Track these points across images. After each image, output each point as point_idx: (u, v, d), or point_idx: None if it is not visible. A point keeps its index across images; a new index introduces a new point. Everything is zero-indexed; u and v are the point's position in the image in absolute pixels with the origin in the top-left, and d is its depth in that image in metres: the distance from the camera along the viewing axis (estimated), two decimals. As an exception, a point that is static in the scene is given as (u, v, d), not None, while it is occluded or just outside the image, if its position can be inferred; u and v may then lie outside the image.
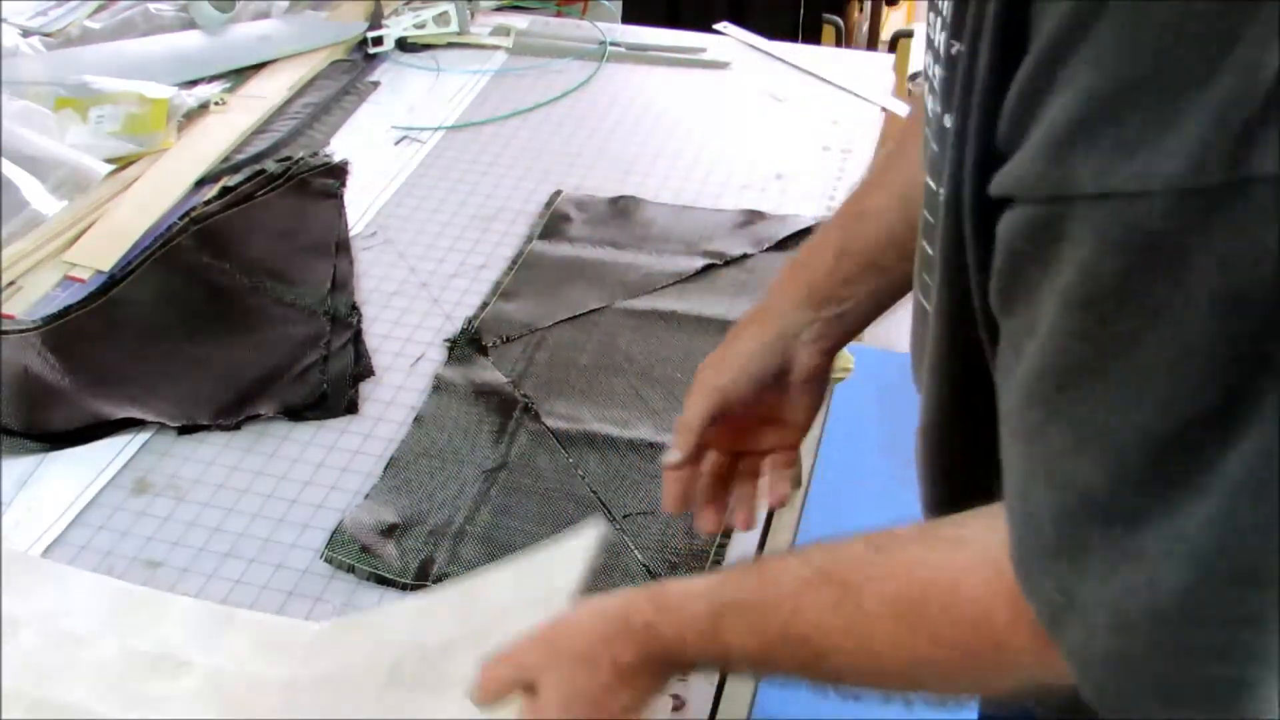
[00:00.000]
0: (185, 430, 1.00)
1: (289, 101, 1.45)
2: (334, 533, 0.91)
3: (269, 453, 0.99)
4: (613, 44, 1.58)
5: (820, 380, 0.84)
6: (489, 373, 1.06)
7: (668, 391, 1.03)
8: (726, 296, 1.14)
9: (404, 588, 0.87)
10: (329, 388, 1.04)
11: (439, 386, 1.04)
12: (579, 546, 0.70)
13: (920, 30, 2.22)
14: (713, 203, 1.28)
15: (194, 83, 1.47)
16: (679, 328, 1.10)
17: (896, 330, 2.59)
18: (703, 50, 1.57)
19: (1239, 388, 0.42)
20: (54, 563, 0.89)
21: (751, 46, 1.59)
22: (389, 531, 0.90)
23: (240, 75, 1.50)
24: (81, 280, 1.18)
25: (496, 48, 1.59)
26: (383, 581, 0.87)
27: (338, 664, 0.77)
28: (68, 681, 0.79)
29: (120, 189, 1.29)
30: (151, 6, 1.60)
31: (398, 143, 1.40)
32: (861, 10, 2.46)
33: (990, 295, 0.52)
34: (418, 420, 1.01)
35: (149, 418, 1.01)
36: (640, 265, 1.18)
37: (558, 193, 1.29)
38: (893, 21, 2.71)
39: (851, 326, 0.85)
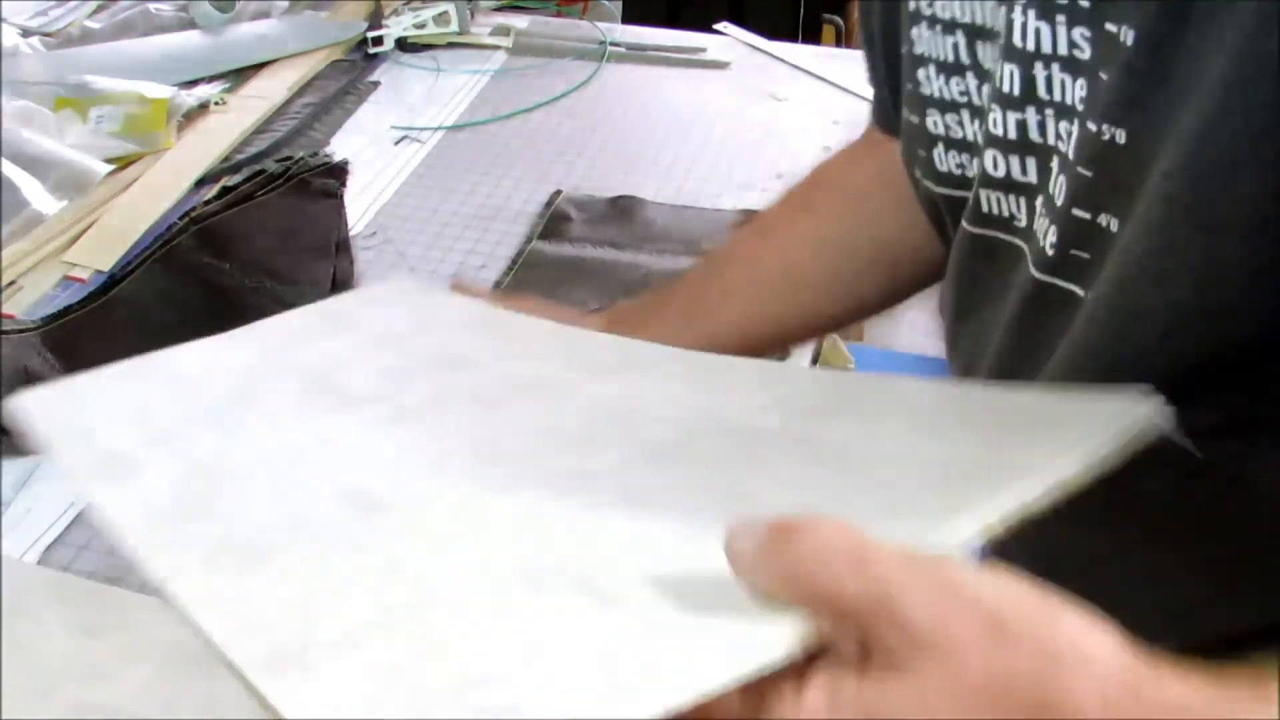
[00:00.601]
0: (185, 430, 1.00)
1: (289, 101, 1.45)
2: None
3: (269, 453, 0.99)
4: (613, 44, 1.58)
5: None
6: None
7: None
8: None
9: (404, 588, 0.86)
10: (329, 388, 1.04)
11: (439, 386, 1.04)
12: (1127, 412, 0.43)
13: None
14: (713, 203, 1.28)
15: (194, 83, 1.47)
16: (679, 328, 1.10)
17: (896, 330, 2.60)
18: (703, 50, 1.57)
19: None
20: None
21: (751, 46, 1.59)
22: (389, 531, 0.89)
23: (240, 75, 1.50)
24: (81, 280, 1.18)
25: (496, 48, 1.59)
26: (383, 581, 0.87)
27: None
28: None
29: (120, 189, 1.29)
30: (151, 6, 1.60)
31: (398, 143, 1.40)
32: (861, 10, 2.46)
33: None
34: (418, 420, 1.00)
35: (149, 418, 1.00)
36: (640, 265, 1.18)
37: (558, 193, 1.29)
38: (893, 21, 2.71)
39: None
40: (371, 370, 0.59)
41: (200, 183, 1.30)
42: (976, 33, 0.57)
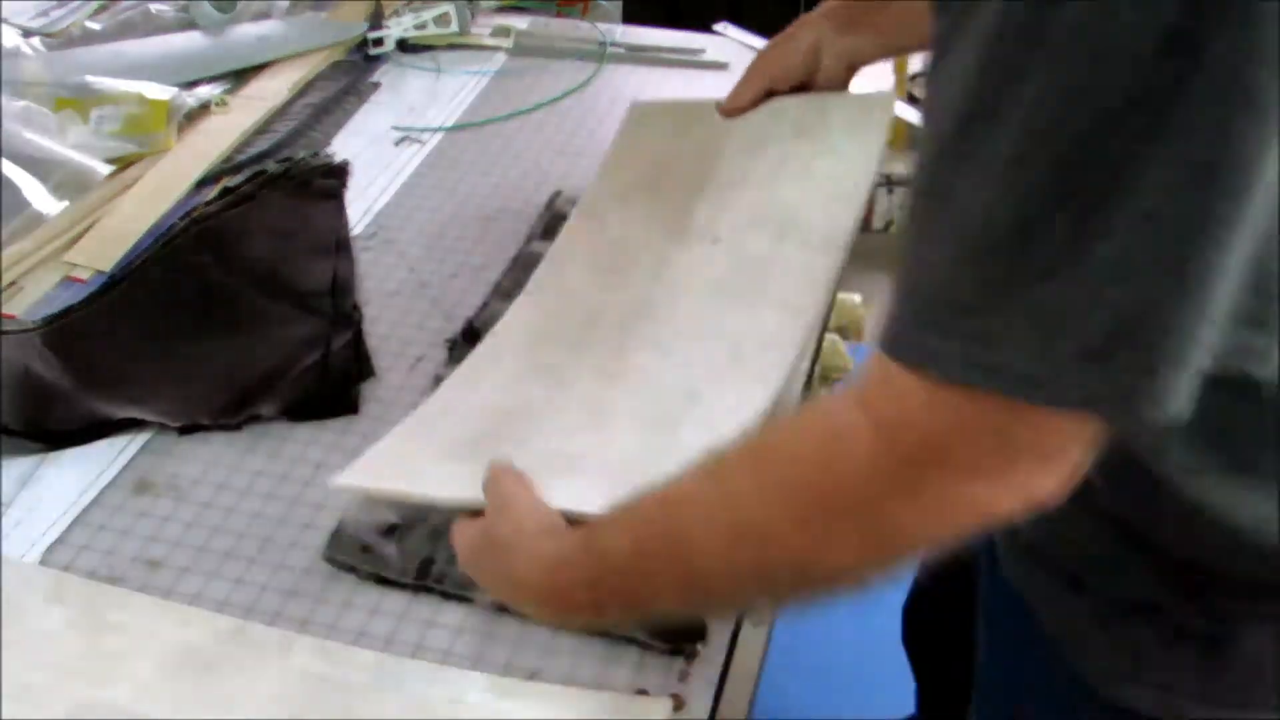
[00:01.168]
0: (186, 430, 1.00)
1: (289, 102, 1.46)
2: (334, 533, 0.91)
3: (269, 453, 0.99)
4: (613, 44, 1.58)
5: (841, 86, 1.07)
6: (489, 373, 1.06)
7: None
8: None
9: (404, 587, 0.87)
10: (329, 388, 1.04)
11: (439, 386, 1.04)
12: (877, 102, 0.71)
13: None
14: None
15: (194, 83, 1.47)
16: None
17: (896, 330, 2.53)
18: (702, 50, 1.57)
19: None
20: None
21: (751, 47, 1.59)
22: (389, 531, 0.90)
23: (240, 76, 1.50)
24: (82, 280, 1.18)
25: (496, 48, 1.59)
26: (383, 581, 0.87)
27: None
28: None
29: (120, 189, 1.29)
30: (152, 7, 1.60)
31: (398, 143, 1.40)
32: (862, 11, 2.46)
33: None
34: (418, 420, 1.01)
35: (149, 418, 1.01)
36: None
37: (558, 193, 1.29)
38: (893, 22, 2.71)
39: (867, 54, 1.06)
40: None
41: (201, 183, 1.30)
42: None
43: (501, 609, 0.85)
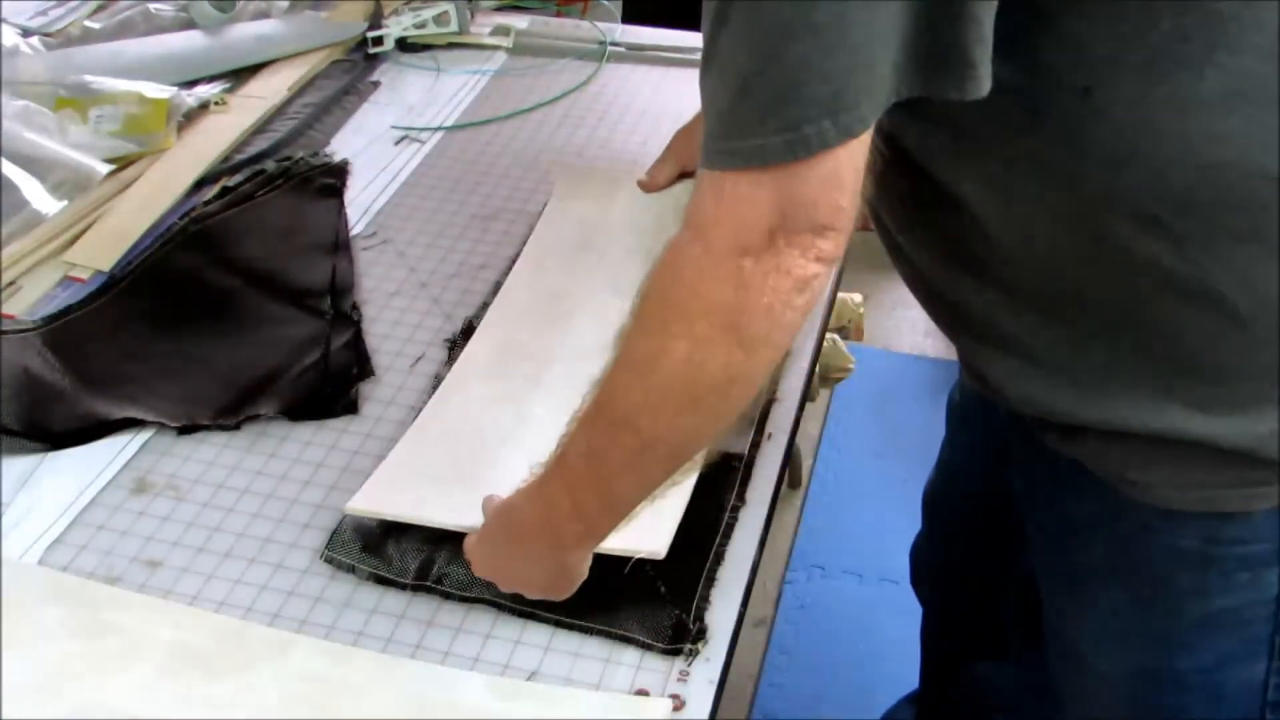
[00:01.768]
0: (185, 430, 1.00)
1: (289, 102, 1.45)
2: (334, 533, 0.91)
3: (269, 453, 0.99)
4: (613, 44, 1.58)
5: None
6: (489, 373, 1.07)
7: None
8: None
9: (404, 587, 0.87)
10: (329, 388, 1.04)
11: (439, 386, 1.04)
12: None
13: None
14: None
15: (194, 83, 1.47)
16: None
17: (896, 330, 2.60)
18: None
19: None
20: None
21: (751, 46, 1.58)
22: (389, 531, 0.90)
23: (240, 75, 1.50)
24: (81, 280, 1.18)
25: (496, 48, 1.59)
26: (382, 581, 0.87)
27: None
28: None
29: (120, 189, 1.29)
30: (151, 6, 1.60)
31: (398, 143, 1.40)
32: (861, 10, 2.46)
33: None
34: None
35: (149, 418, 1.01)
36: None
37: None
38: (893, 21, 2.71)
39: None
40: None
41: (200, 183, 1.30)
42: None
43: (514, 609, 0.85)
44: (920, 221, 0.83)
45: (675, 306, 0.70)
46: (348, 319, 1.11)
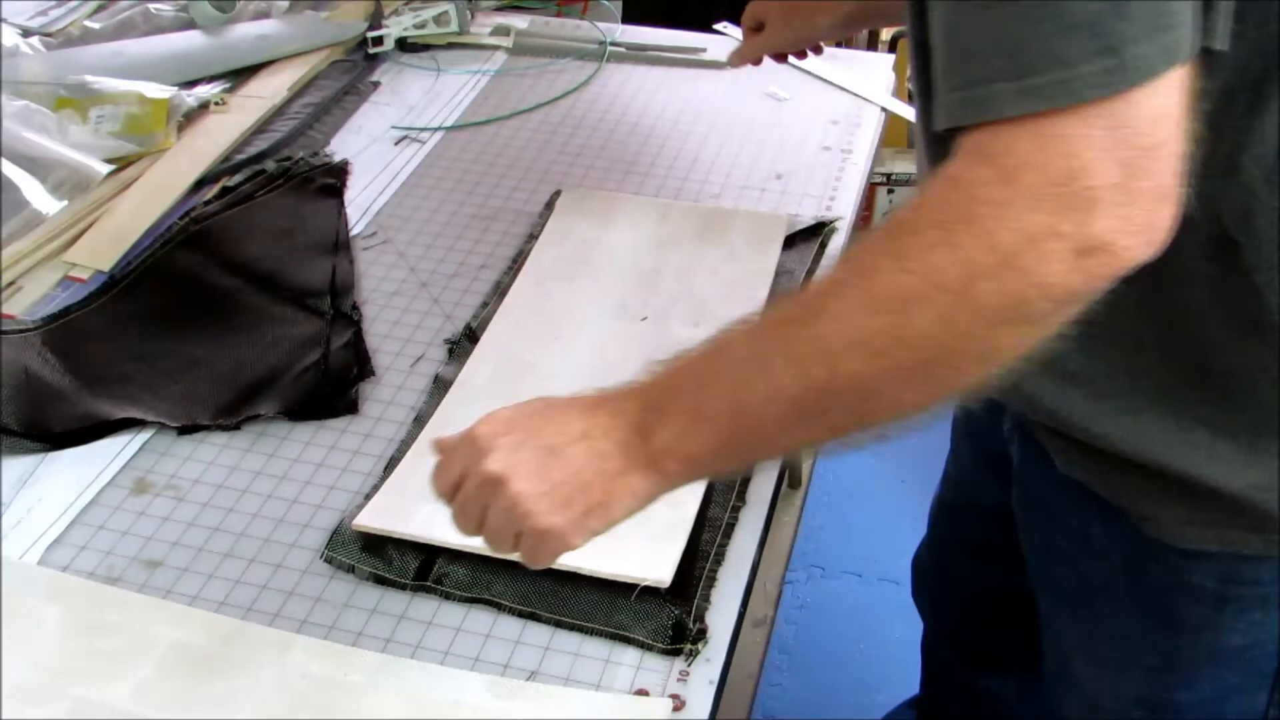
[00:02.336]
0: (185, 430, 1.00)
1: (289, 101, 1.45)
2: (334, 533, 0.91)
3: (269, 453, 0.99)
4: (613, 44, 1.58)
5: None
6: (489, 373, 1.07)
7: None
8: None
9: (404, 587, 0.87)
10: (329, 388, 1.04)
11: (439, 386, 1.04)
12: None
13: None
14: (713, 203, 1.28)
15: (194, 83, 1.47)
16: (679, 328, 1.11)
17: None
18: (703, 50, 1.57)
19: None
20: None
21: (751, 46, 1.58)
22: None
23: (240, 75, 1.50)
24: (81, 280, 1.18)
25: (496, 48, 1.59)
26: (382, 581, 0.87)
27: None
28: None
29: (120, 189, 1.29)
30: (151, 6, 1.60)
31: (398, 143, 1.40)
32: (861, 10, 2.46)
33: None
34: (418, 420, 1.01)
35: (149, 418, 1.01)
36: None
37: (557, 192, 1.29)
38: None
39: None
40: None
41: (200, 183, 1.30)
42: None
43: (514, 609, 0.85)
44: None
45: (983, 277, 0.57)
46: (348, 319, 1.11)
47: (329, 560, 0.89)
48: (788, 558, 1.95)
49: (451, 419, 1.00)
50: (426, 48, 1.59)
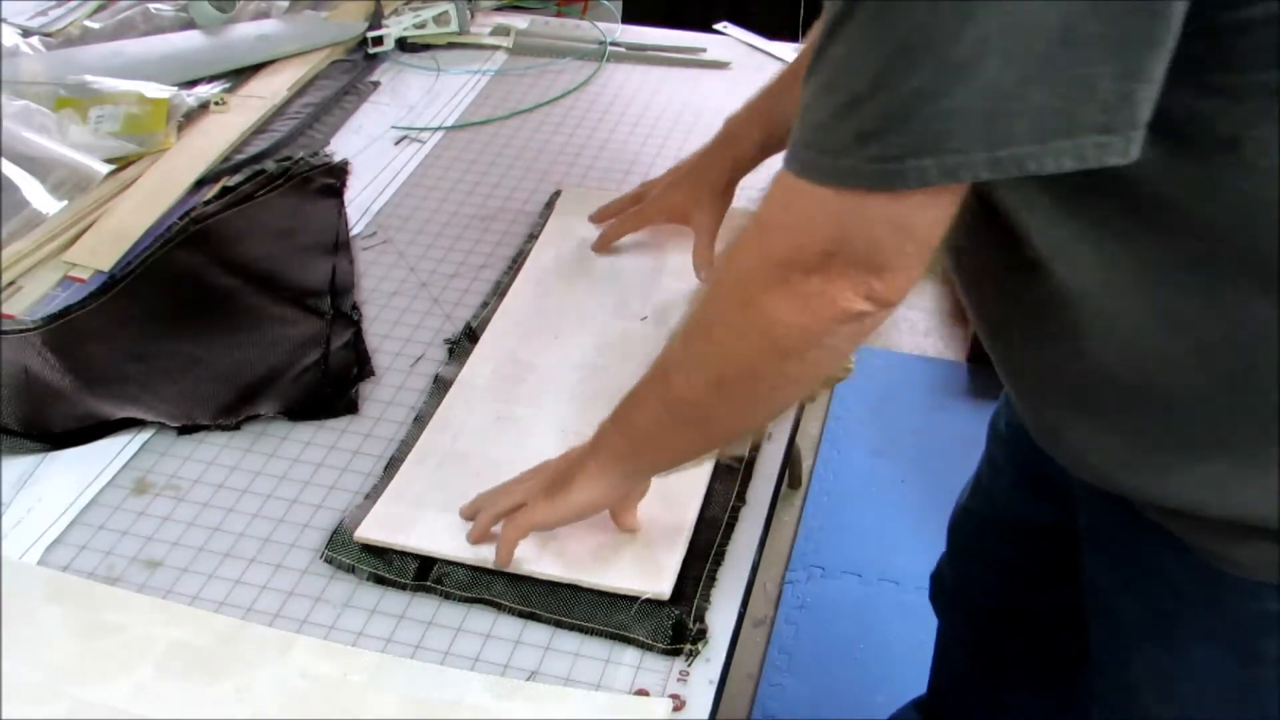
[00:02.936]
0: (185, 430, 1.00)
1: (289, 101, 1.45)
2: (334, 533, 0.91)
3: (269, 453, 0.99)
4: (613, 44, 1.58)
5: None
6: (489, 373, 1.07)
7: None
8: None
9: (404, 587, 0.87)
10: (329, 388, 1.04)
11: (439, 386, 1.04)
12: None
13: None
14: (713, 203, 1.27)
15: (194, 83, 1.48)
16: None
17: (896, 330, 2.61)
18: (703, 50, 1.57)
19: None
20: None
21: (751, 46, 1.59)
22: (389, 531, 0.90)
23: (240, 75, 1.50)
24: (81, 280, 1.18)
25: (496, 48, 1.59)
26: (382, 581, 0.87)
27: None
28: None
29: (120, 189, 1.29)
30: (151, 6, 1.60)
31: (398, 143, 1.40)
32: (861, 10, 2.46)
33: None
34: (418, 420, 1.01)
35: (149, 418, 1.01)
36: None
37: (557, 192, 1.29)
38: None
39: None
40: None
41: (200, 183, 1.30)
42: None
43: (514, 609, 0.85)
44: (1005, 290, 0.79)
45: (727, 291, 0.71)
46: (348, 319, 1.11)
47: (329, 560, 0.89)
48: (788, 558, 1.96)
49: (451, 419, 1.00)
50: (426, 48, 1.59)
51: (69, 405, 1.02)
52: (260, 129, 1.40)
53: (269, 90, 1.46)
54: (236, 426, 1.01)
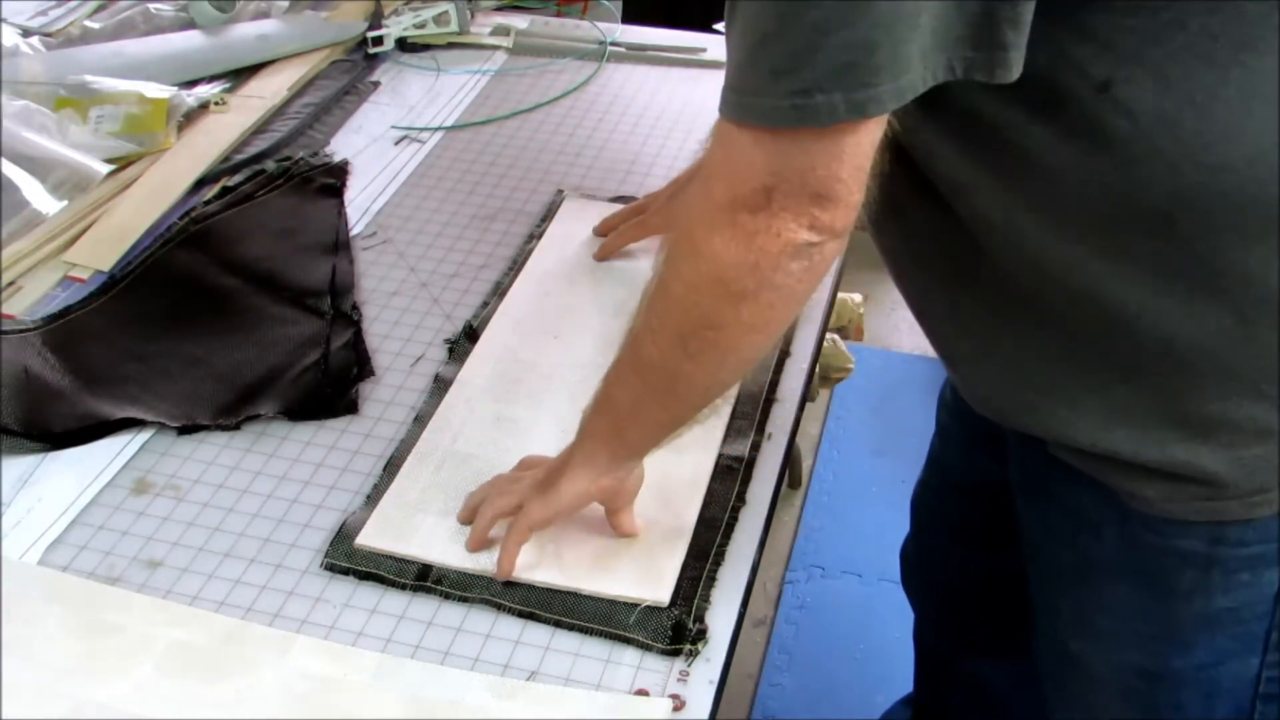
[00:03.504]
0: (185, 430, 1.00)
1: (289, 101, 1.45)
2: (334, 540, 0.90)
3: (269, 453, 0.99)
4: (613, 44, 1.58)
5: None
6: (489, 373, 1.07)
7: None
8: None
9: (404, 587, 0.87)
10: (329, 388, 1.04)
11: (439, 386, 1.04)
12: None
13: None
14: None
15: (194, 83, 1.47)
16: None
17: (896, 330, 2.61)
18: (703, 50, 1.57)
19: None
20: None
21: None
22: (389, 531, 0.90)
23: (240, 75, 1.50)
24: (81, 280, 1.18)
25: (496, 48, 1.59)
26: (382, 581, 0.87)
27: None
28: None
29: (120, 189, 1.29)
30: (151, 6, 1.60)
31: (398, 143, 1.40)
32: (861, 10, 2.46)
33: None
34: (418, 420, 1.01)
35: (149, 418, 1.01)
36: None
37: (558, 192, 1.29)
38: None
39: None
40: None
41: (200, 183, 1.30)
42: None
43: (514, 609, 0.85)
44: (913, 226, 0.83)
45: (678, 245, 0.73)
46: (348, 319, 1.11)
47: (329, 568, 0.89)
48: (788, 558, 1.96)
49: (451, 419, 1.00)
50: (426, 48, 1.59)
51: (69, 405, 1.02)
52: (260, 129, 1.40)
53: (269, 90, 1.46)
54: (236, 426, 1.01)
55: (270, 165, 1.31)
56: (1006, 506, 1.01)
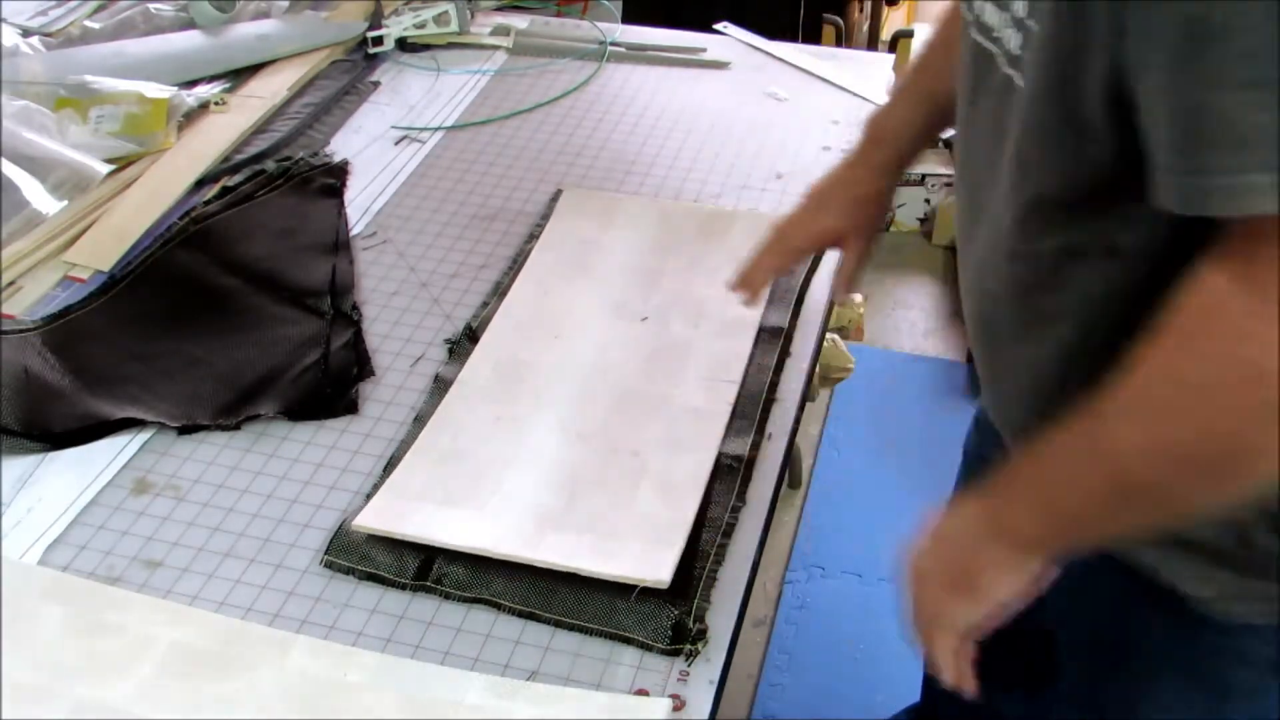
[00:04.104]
0: (185, 430, 1.00)
1: (289, 101, 1.45)
2: (333, 538, 0.90)
3: (269, 453, 0.99)
4: (613, 44, 1.58)
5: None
6: (489, 373, 1.07)
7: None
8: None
9: (404, 587, 0.87)
10: (329, 388, 1.04)
11: (439, 386, 1.04)
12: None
13: (920, 30, 2.22)
14: (713, 203, 1.28)
15: (194, 83, 1.48)
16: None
17: (896, 330, 2.61)
18: (703, 50, 1.57)
19: None
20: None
21: (751, 46, 1.59)
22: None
23: (240, 75, 1.50)
24: (81, 280, 1.18)
25: (496, 48, 1.59)
26: (382, 581, 0.87)
27: None
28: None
29: (120, 189, 1.29)
30: (151, 6, 1.60)
31: (398, 143, 1.40)
32: (862, 10, 2.46)
33: None
34: (418, 420, 1.01)
35: (149, 418, 1.01)
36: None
37: (558, 192, 1.29)
38: (893, 21, 2.71)
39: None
40: None
41: (200, 183, 1.30)
42: None
43: (514, 609, 0.85)
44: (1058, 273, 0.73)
45: (1186, 333, 0.60)
46: (348, 319, 1.11)
47: (329, 565, 0.89)
48: (788, 558, 1.96)
49: (451, 419, 1.00)
50: (426, 48, 1.59)
51: (69, 405, 1.02)
52: (260, 129, 1.40)
53: (269, 90, 1.46)
54: (236, 426, 1.01)
55: (270, 165, 1.31)
56: None
